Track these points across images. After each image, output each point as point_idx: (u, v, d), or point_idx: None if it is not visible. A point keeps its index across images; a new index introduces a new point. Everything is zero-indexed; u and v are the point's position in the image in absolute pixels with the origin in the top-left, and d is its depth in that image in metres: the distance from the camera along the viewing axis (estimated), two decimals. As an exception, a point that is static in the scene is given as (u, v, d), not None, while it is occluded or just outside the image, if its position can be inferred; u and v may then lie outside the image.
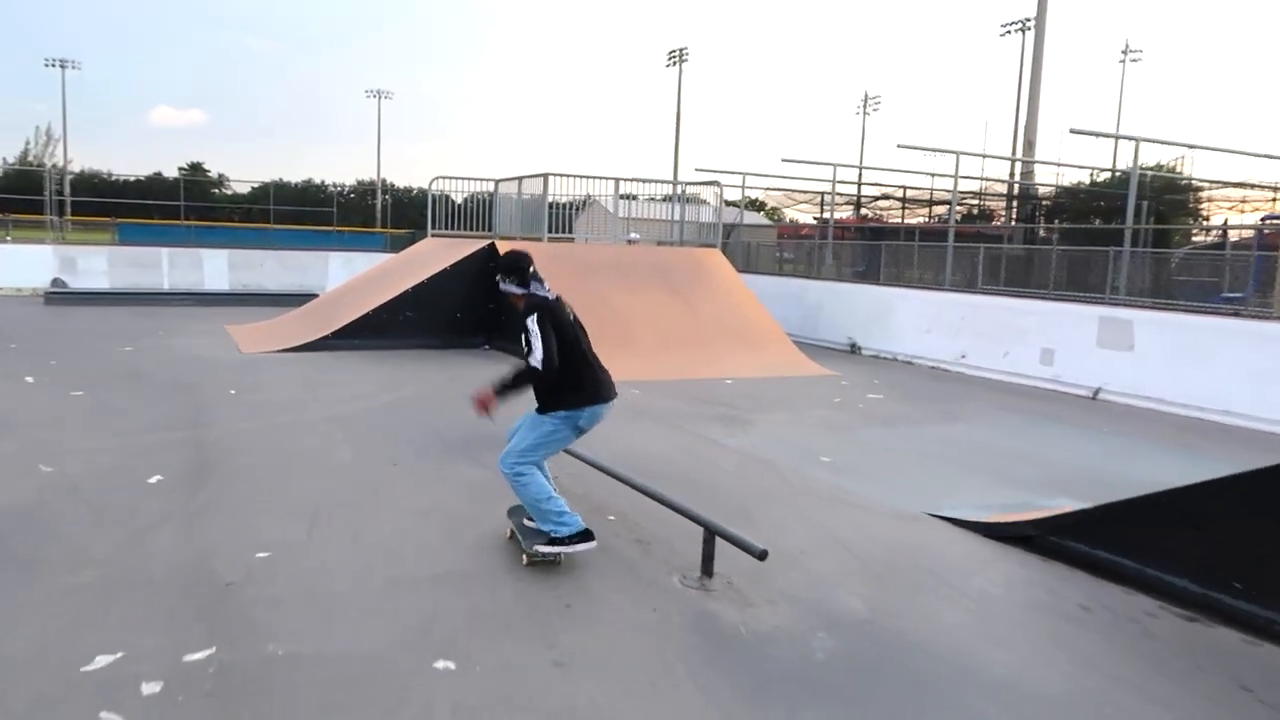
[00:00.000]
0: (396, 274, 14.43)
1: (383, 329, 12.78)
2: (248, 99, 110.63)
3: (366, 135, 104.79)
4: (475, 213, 17.05)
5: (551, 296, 4.79)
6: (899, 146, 19.90)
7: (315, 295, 19.15)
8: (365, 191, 58.92)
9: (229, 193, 50.88)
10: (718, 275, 14.34)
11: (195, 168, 62.59)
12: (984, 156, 25.53)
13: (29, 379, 9.38)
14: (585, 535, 4.61)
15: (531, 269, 4.85)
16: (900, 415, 9.49)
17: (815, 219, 34.24)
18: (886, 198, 25.59)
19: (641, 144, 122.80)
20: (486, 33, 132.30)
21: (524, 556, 4.67)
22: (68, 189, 44.03)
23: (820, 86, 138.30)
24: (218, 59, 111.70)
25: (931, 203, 26.99)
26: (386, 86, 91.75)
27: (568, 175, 15.14)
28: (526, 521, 4.87)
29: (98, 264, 19.60)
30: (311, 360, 11.48)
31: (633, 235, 18.18)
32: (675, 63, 66.69)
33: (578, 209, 17.86)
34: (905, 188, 26.30)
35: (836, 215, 29.65)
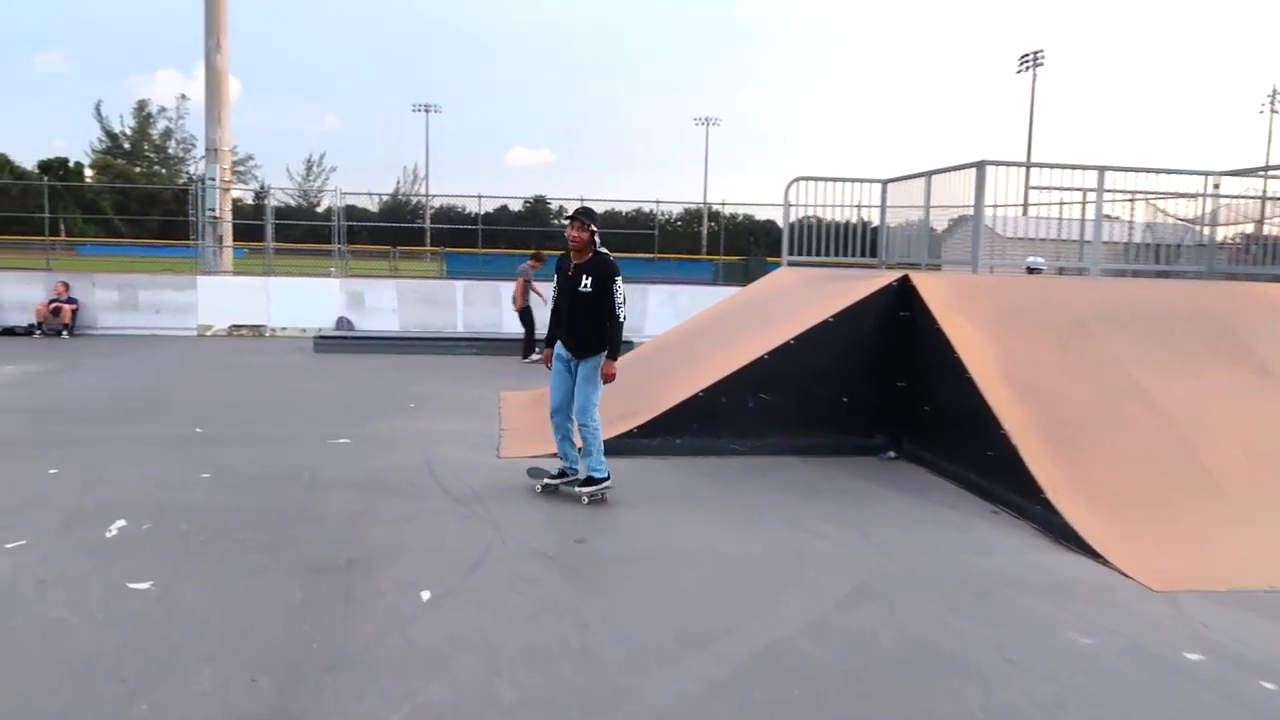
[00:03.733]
0: (740, 325, 9.31)
1: (721, 420, 7.65)
2: (589, 136, 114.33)
3: (695, 163, 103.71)
4: (848, 231, 11.71)
5: None
6: None
7: (628, 343, 14.70)
8: (692, 219, 56.61)
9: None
10: (1330, 335, 7.63)
11: (538, 200, 63.87)
12: None
13: (118, 524, 5.25)
14: (608, 480, 6.10)
15: None
16: None
17: None
18: None
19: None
20: (817, 57, 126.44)
21: (584, 499, 6.01)
22: (428, 221, 45.26)
23: (1203, 85, 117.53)
24: (565, 101, 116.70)
25: None
26: (715, 114, 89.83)
27: (1020, 165, 9.27)
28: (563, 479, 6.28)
29: (385, 299, 16.64)
30: (613, 480, 6.59)
31: (1035, 260, 11.69)
32: (1028, 67, 58.37)
33: (950, 226, 11.90)
34: None
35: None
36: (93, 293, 15.96)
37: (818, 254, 11.56)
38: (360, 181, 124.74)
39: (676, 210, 55.26)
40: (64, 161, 68.55)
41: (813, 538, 5.45)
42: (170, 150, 76.38)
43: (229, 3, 23.62)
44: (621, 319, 5.94)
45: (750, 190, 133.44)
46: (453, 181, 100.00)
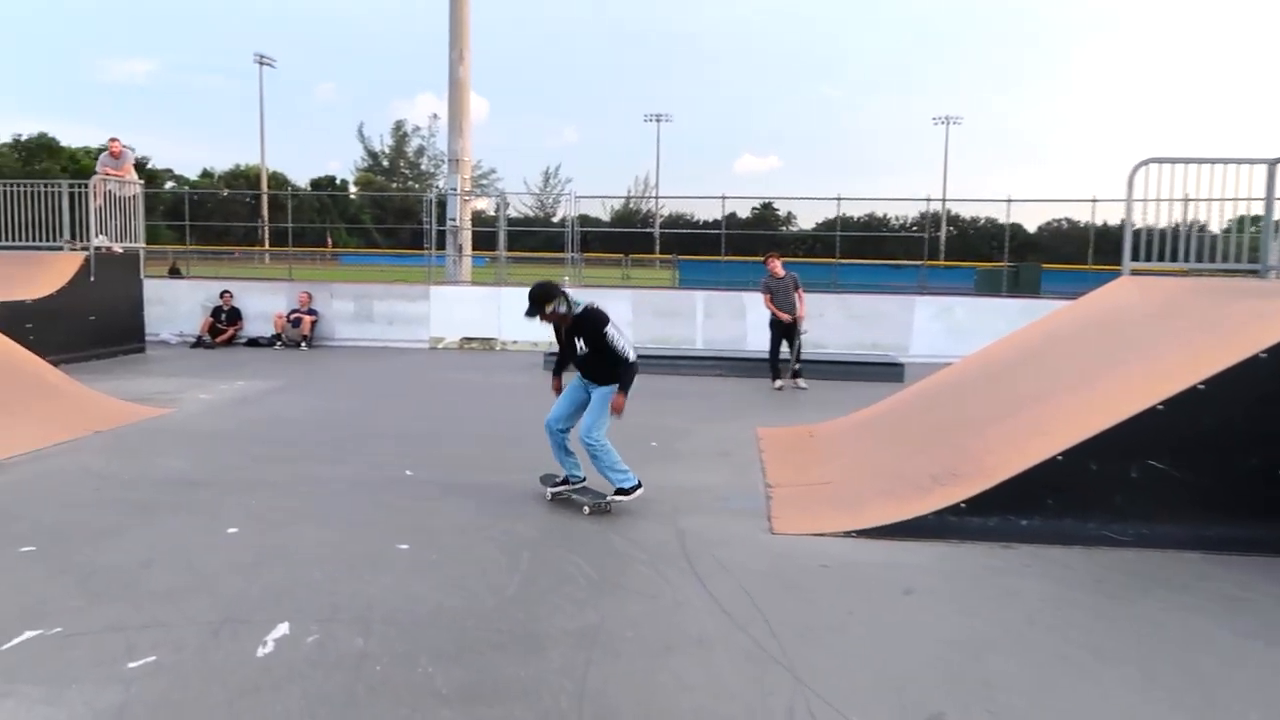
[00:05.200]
0: (1088, 356, 6.90)
1: (1089, 495, 5.36)
2: (819, 141, 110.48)
3: (931, 166, 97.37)
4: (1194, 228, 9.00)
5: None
6: None
7: (896, 365, 12.51)
8: (926, 223, 53.16)
9: (795, 230, 49.08)
10: None
11: (766, 207, 62.37)
12: None
13: (278, 632, 3.85)
14: (639, 485, 5.83)
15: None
16: None
17: None
18: None
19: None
20: (1070, 48, 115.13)
21: (585, 508, 5.78)
22: (657, 230, 44.88)
23: None
24: (795, 108, 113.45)
25: None
26: (956, 113, 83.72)
27: None
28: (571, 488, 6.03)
29: (620, 312, 15.22)
30: (945, 586, 4.56)
31: None
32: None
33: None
34: None
35: None
36: (330, 304, 15.74)
37: (1164, 259, 8.88)
38: (594, 191, 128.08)
39: (912, 215, 51.86)
40: (332, 179, 74.67)
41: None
42: (423, 166, 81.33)
43: (473, 17, 23.56)
44: (630, 359, 5.69)
45: (995, 192, 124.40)
46: (681, 190, 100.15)
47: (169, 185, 60.39)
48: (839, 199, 17.25)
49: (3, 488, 6.09)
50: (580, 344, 5.70)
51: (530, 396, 10.91)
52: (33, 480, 6.30)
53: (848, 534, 5.44)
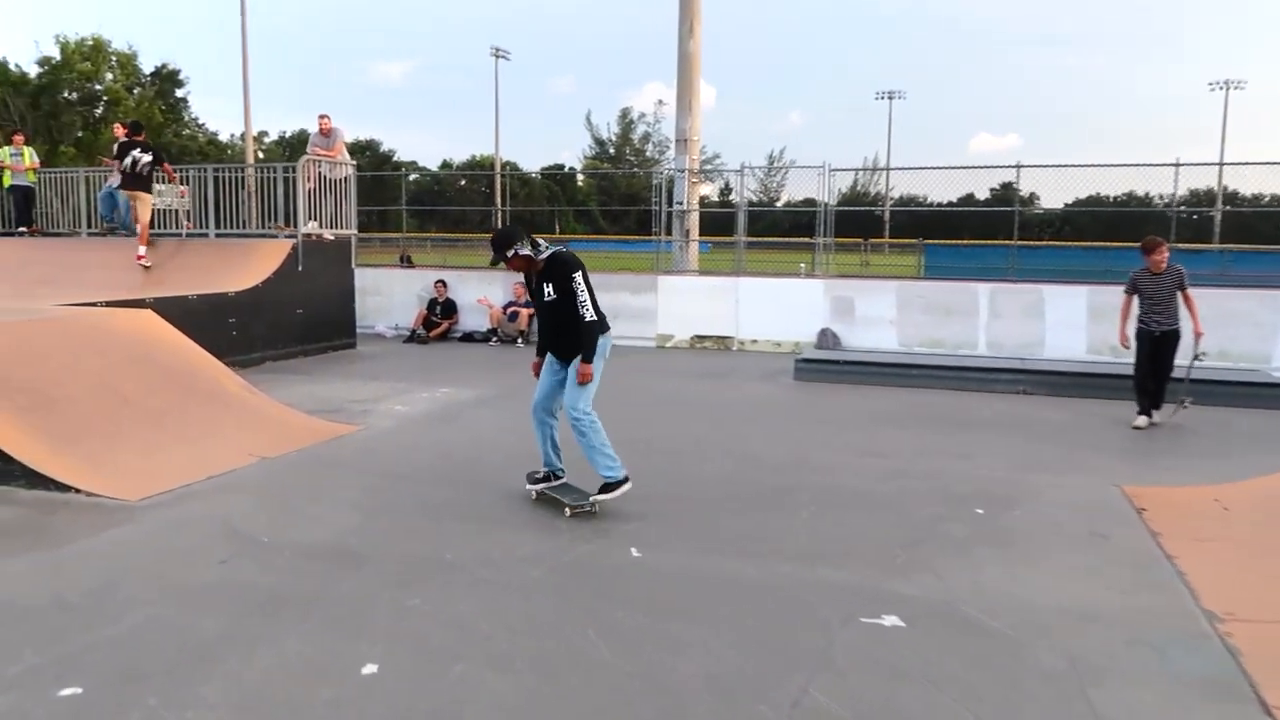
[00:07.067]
0: None
1: None
2: (1065, 116, 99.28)
3: (1205, 138, 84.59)
4: None
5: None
6: None
7: (1277, 385, 9.23)
8: (1199, 201, 45.86)
9: (1039, 211, 43.95)
10: None
11: (1006, 187, 56.58)
12: None
13: None
14: (627, 479, 5.26)
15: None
16: None
17: None
18: None
19: None
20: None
21: (567, 509, 5.23)
22: (887, 214, 41.45)
23: None
24: (1037, 81, 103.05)
25: None
26: (1238, 76, 71.88)
27: None
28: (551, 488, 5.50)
29: (882, 308, 12.61)
30: None
31: None
32: None
33: None
34: None
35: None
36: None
37: None
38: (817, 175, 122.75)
39: (1181, 193, 45.09)
40: (560, 167, 75.70)
41: None
42: (648, 153, 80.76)
43: (705, -2, 21.49)
44: (588, 319, 5.19)
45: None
46: (916, 171, 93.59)
47: (413, 177, 63.06)
48: (1176, 164, 13.66)
49: (109, 555, 4.61)
50: (549, 290, 5.26)
51: (784, 417, 8.65)
52: (152, 541, 4.81)
53: None
